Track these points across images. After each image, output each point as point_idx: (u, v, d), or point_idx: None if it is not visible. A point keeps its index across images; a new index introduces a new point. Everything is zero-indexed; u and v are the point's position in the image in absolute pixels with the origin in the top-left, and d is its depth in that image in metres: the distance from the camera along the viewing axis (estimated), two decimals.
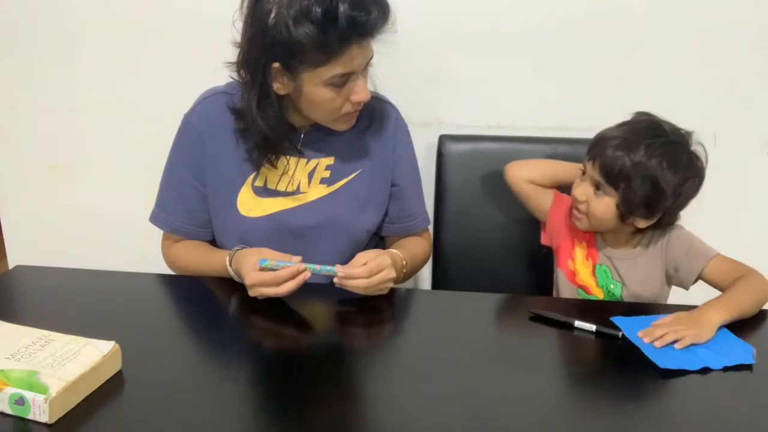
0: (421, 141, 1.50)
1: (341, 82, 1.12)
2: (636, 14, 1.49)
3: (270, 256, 1.10)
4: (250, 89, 1.14)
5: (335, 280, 1.09)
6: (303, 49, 1.06)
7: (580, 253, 1.28)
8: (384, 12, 1.09)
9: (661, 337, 1.00)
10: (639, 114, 1.20)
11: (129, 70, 1.62)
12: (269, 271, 1.08)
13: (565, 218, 1.30)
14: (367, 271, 1.09)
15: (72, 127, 1.68)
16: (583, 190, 1.20)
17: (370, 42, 1.12)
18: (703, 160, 1.17)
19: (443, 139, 1.52)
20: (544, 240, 1.34)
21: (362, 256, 1.11)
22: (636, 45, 1.51)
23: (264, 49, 1.09)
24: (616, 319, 1.07)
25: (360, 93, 1.14)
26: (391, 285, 1.14)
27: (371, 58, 1.15)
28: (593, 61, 1.53)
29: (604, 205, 1.17)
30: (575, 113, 1.56)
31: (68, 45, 1.61)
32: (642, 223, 1.18)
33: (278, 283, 1.07)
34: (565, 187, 1.31)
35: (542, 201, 1.32)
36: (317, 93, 1.13)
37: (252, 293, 1.10)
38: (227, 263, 1.17)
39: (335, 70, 1.09)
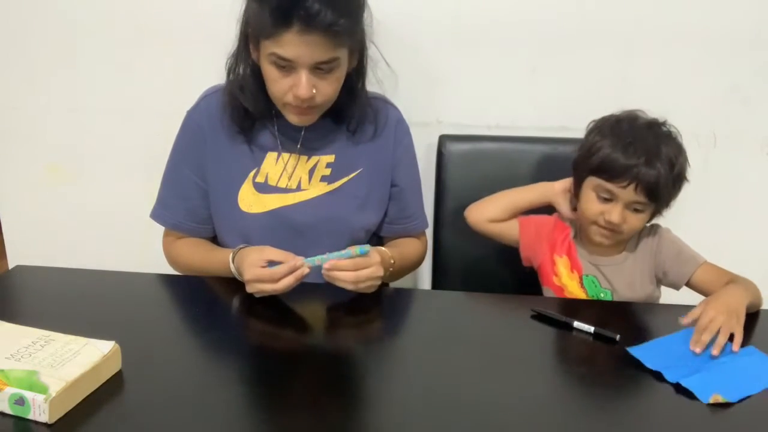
0: (421, 141, 1.50)
1: (283, 65, 1.11)
2: (636, 14, 1.49)
3: (272, 254, 1.09)
4: (236, 60, 1.20)
5: (323, 271, 1.09)
6: (252, 20, 1.12)
7: (563, 266, 1.27)
8: (335, 9, 1.05)
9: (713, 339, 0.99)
10: (625, 112, 1.20)
11: (129, 70, 1.62)
12: (267, 268, 1.07)
13: (536, 237, 1.29)
14: (353, 265, 1.09)
15: (72, 127, 1.68)
16: (621, 216, 1.15)
17: (321, 39, 1.07)
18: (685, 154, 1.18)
19: (443, 139, 1.52)
20: (525, 263, 1.33)
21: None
22: (636, 45, 1.51)
23: (244, 20, 1.16)
24: (633, 350, 0.98)
25: (298, 88, 1.12)
26: (378, 283, 1.13)
27: (330, 62, 1.11)
28: (593, 60, 1.53)
29: (642, 219, 1.18)
30: (575, 113, 1.54)
31: (68, 45, 1.61)
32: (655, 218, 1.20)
33: (275, 280, 1.07)
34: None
35: (510, 233, 1.32)
36: (264, 67, 1.15)
37: (249, 289, 1.10)
38: (230, 261, 1.17)
39: (272, 48, 1.10)
